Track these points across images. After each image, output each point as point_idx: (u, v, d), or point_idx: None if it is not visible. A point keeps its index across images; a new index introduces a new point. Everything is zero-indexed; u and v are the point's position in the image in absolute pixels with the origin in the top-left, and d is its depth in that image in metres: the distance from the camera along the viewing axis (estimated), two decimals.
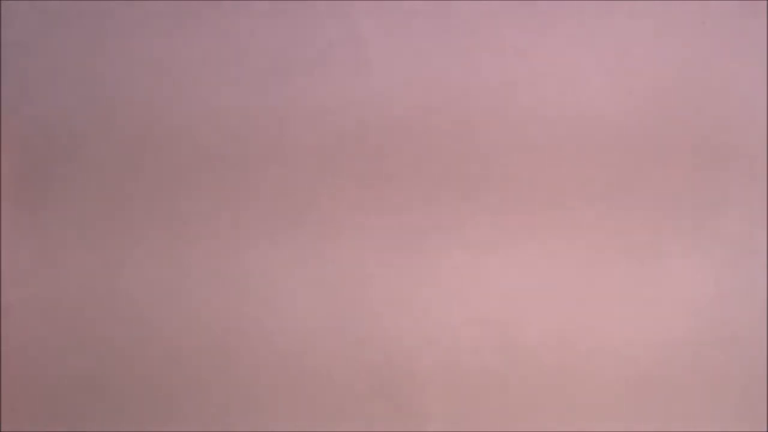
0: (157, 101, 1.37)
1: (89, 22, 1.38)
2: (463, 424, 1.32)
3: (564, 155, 1.32)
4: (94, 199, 1.37)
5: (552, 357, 1.31)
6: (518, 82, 1.33)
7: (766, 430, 1.29)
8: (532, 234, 1.32)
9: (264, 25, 1.36)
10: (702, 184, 1.31)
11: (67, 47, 1.38)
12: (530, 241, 1.32)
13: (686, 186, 1.31)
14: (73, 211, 1.37)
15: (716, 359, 1.30)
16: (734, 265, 1.30)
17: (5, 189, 1.38)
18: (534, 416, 1.32)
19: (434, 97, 1.34)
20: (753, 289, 1.29)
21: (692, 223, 1.31)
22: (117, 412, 1.36)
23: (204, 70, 1.36)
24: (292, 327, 1.34)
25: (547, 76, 1.33)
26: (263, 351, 1.34)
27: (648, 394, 1.31)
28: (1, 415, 1.36)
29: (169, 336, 1.36)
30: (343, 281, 1.34)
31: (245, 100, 1.36)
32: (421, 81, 1.34)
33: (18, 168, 1.38)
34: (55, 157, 1.38)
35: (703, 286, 1.30)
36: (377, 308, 1.34)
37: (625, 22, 1.32)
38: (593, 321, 1.31)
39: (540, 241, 1.32)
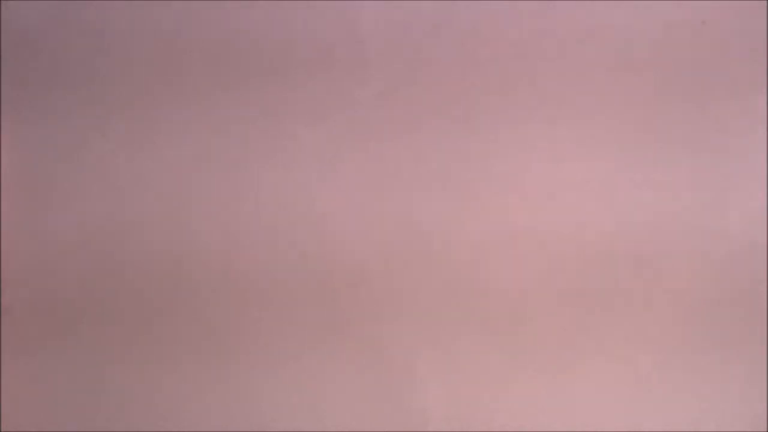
0: (156, 96, 1.37)
1: (89, 22, 1.38)
2: (463, 424, 1.33)
3: (565, 151, 1.32)
4: (94, 198, 1.37)
5: (553, 355, 1.32)
6: (518, 80, 1.33)
7: (766, 430, 1.29)
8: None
9: (263, 25, 1.36)
10: (702, 184, 1.31)
11: (67, 47, 1.38)
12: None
13: (687, 186, 1.31)
14: (74, 211, 1.37)
15: (716, 358, 1.30)
16: (734, 263, 1.30)
17: (5, 189, 1.38)
18: (534, 415, 1.32)
19: (434, 98, 1.34)
20: (753, 288, 1.29)
21: (692, 222, 1.31)
22: (117, 416, 1.36)
23: (203, 69, 1.36)
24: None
25: (547, 76, 1.33)
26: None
27: (649, 394, 1.31)
28: (1, 415, 1.36)
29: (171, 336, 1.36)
30: (346, 284, 1.34)
31: (243, 100, 1.36)
32: (420, 82, 1.34)
33: (18, 168, 1.38)
34: (56, 157, 1.38)
35: (703, 286, 1.30)
36: (375, 307, 1.34)
37: (625, 23, 1.32)
38: (594, 320, 1.31)
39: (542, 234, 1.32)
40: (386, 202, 1.34)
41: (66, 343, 1.37)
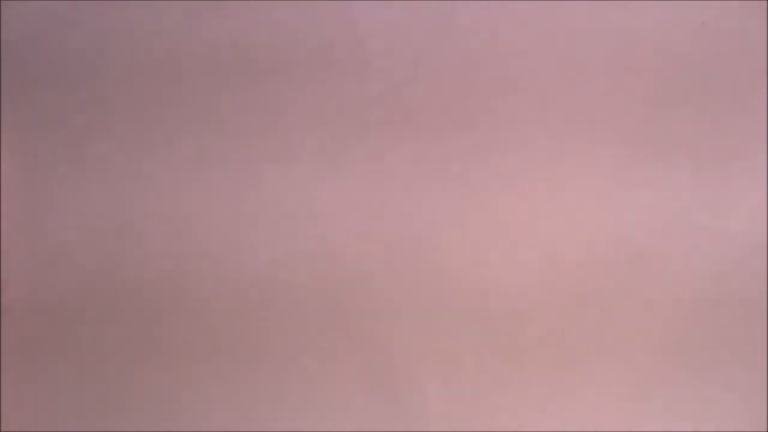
0: (156, 96, 1.37)
1: (89, 22, 1.38)
2: (463, 424, 1.32)
3: (565, 150, 1.32)
4: (94, 198, 1.37)
5: (553, 355, 1.32)
6: (518, 80, 1.33)
7: (766, 430, 1.29)
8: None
9: (263, 25, 1.36)
10: (702, 184, 1.31)
11: (67, 47, 1.38)
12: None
13: (687, 186, 1.31)
14: (74, 211, 1.37)
15: (716, 358, 1.30)
16: (734, 263, 1.30)
17: (5, 189, 1.38)
18: (534, 415, 1.32)
19: (434, 98, 1.34)
20: (753, 288, 1.29)
21: (692, 223, 1.31)
22: (117, 417, 1.36)
23: (203, 69, 1.36)
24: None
25: (547, 76, 1.33)
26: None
27: (649, 394, 1.31)
28: (1, 415, 1.36)
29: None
30: (348, 285, 1.34)
31: (243, 100, 1.36)
32: (420, 82, 1.34)
33: (18, 168, 1.38)
34: (56, 157, 1.38)
35: (703, 286, 1.30)
36: (375, 307, 1.34)
37: (625, 23, 1.32)
38: (594, 320, 1.31)
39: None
40: (386, 202, 1.34)
41: (66, 343, 1.37)
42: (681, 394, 1.30)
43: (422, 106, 1.34)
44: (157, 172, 1.36)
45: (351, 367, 1.33)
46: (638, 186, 1.31)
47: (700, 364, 1.30)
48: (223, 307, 1.34)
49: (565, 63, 1.33)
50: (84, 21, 1.38)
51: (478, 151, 1.33)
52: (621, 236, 1.31)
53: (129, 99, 1.37)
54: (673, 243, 1.31)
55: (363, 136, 1.34)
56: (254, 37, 1.36)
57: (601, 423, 1.31)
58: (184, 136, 1.36)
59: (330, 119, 1.35)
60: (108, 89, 1.38)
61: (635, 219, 1.31)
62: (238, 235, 1.35)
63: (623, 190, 1.31)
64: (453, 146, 1.33)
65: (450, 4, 1.34)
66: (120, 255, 1.36)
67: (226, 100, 1.36)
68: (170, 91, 1.37)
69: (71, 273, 1.37)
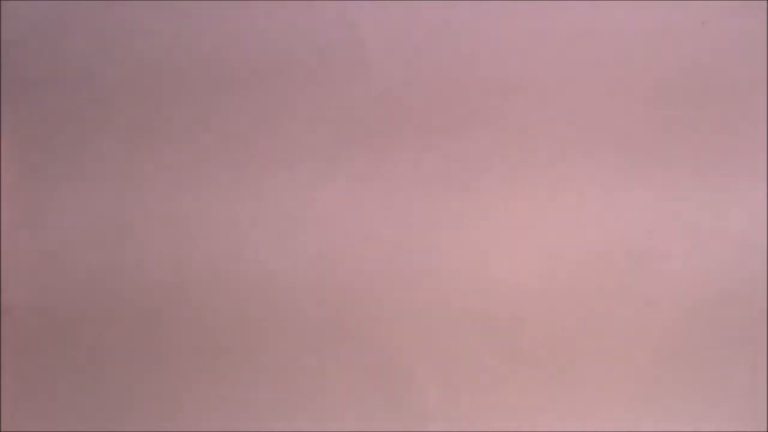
0: (156, 96, 1.37)
1: (89, 22, 1.38)
2: (463, 423, 1.32)
3: (565, 150, 1.32)
4: (94, 198, 1.37)
5: (553, 355, 1.32)
6: (519, 80, 1.33)
7: (766, 430, 1.29)
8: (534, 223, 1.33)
9: (263, 26, 1.36)
10: (702, 184, 1.31)
11: (67, 47, 1.38)
12: (528, 242, 1.32)
13: (687, 186, 1.31)
14: (74, 211, 1.37)
15: (716, 358, 1.30)
16: (734, 263, 1.30)
17: (5, 189, 1.38)
18: (534, 415, 1.32)
19: (434, 98, 1.34)
20: (752, 288, 1.29)
21: (692, 223, 1.31)
22: (117, 417, 1.36)
23: (203, 69, 1.36)
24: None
25: (547, 76, 1.33)
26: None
27: (649, 394, 1.31)
28: (1, 415, 1.36)
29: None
30: (348, 286, 1.34)
31: (243, 101, 1.36)
32: (420, 82, 1.34)
33: (18, 168, 1.38)
34: (55, 157, 1.38)
35: (703, 286, 1.30)
36: (375, 308, 1.34)
37: (625, 23, 1.32)
38: (594, 320, 1.31)
39: (539, 240, 1.32)
40: (386, 202, 1.34)
41: (66, 343, 1.37)
42: (681, 394, 1.30)
43: (422, 106, 1.34)
44: (157, 172, 1.36)
45: (351, 367, 1.34)
46: (638, 186, 1.31)
47: (700, 364, 1.30)
48: (224, 308, 1.34)
49: (565, 63, 1.33)
50: (84, 21, 1.38)
51: (478, 151, 1.33)
52: (621, 236, 1.31)
53: (129, 99, 1.37)
54: (673, 243, 1.31)
55: (363, 136, 1.34)
56: (254, 37, 1.36)
57: (601, 423, 1.31)
58: (184, 137, 1.36)
59: (330, 120, 1.35)
60: (108, 89, 1.38)
61: (635, 219, 1.31)
62: (238, 236, 1.35)
63: (623, 190, 1.31)
64: (453, 146, 1.33)
65: (449, 4, 1.34)
66: (120, 255, 1.36)
67: (225, 101, 1.36)
68: (170, 92, 1.37)
69: (71, 273, 1.37)
